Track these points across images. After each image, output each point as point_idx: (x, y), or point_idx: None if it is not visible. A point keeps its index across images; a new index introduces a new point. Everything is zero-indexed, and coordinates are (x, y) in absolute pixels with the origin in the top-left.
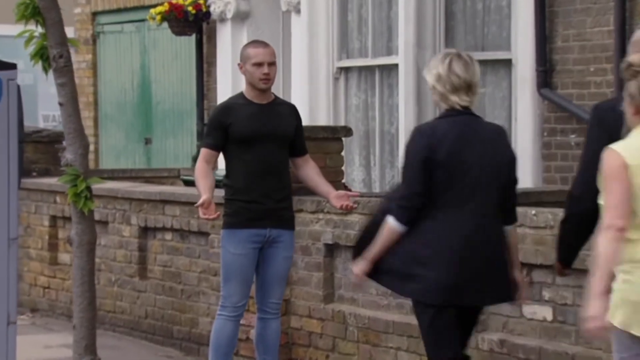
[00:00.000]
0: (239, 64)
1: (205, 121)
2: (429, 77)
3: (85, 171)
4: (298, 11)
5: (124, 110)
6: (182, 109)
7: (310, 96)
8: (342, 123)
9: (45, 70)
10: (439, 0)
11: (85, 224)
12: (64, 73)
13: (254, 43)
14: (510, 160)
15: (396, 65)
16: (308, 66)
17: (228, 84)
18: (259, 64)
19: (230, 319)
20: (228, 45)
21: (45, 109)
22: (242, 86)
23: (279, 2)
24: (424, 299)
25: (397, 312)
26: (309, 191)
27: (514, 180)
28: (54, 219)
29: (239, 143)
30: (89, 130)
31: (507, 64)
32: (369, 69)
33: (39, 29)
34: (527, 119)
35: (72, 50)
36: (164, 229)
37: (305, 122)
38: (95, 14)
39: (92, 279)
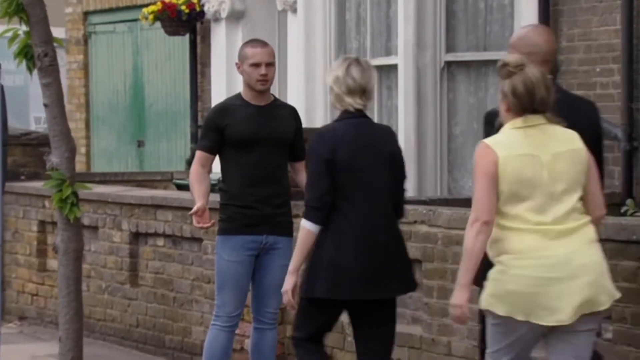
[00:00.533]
0: (236, 64)
1: (200, 123)
2: (328, 78)
3: (72, 176)
4: (294, 10)
5: (116, 112)
6: (175, 111)
7: (306, 97)
8: None
9: (30, 69)
10: None
11: (72, 231)
12: (49, 72)
13: (253, 42)
14: (398, 157)
15: (395, 66)
16: (304, 67)
17: (222, 85)
18: (257, 65)
19: (224, 329)
20: (222, 45)
21: (36, 111)
22: (238, 87)
23: (275, 1)
24: (312, 294)
25: (397, 322)
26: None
27: (402, 176)
28: (42, 224)
29: (236, 146)
30: (80, 133)
31: None
32: None
33: (24, 27)
34: None
35: (63, 51)
36: (155, 234)
37: None
38: (86, 14)
39: (78, 289)
